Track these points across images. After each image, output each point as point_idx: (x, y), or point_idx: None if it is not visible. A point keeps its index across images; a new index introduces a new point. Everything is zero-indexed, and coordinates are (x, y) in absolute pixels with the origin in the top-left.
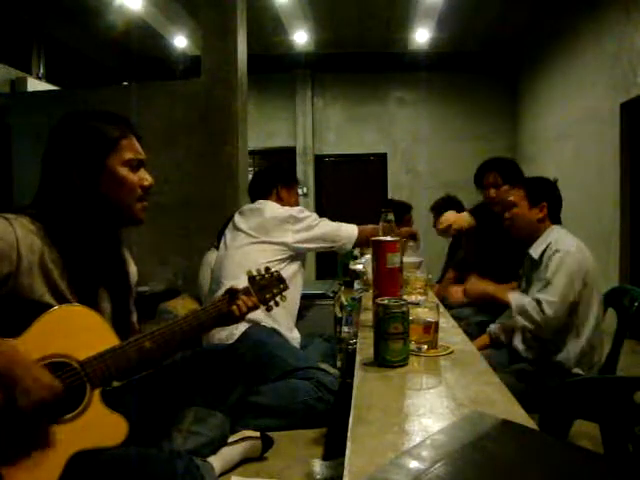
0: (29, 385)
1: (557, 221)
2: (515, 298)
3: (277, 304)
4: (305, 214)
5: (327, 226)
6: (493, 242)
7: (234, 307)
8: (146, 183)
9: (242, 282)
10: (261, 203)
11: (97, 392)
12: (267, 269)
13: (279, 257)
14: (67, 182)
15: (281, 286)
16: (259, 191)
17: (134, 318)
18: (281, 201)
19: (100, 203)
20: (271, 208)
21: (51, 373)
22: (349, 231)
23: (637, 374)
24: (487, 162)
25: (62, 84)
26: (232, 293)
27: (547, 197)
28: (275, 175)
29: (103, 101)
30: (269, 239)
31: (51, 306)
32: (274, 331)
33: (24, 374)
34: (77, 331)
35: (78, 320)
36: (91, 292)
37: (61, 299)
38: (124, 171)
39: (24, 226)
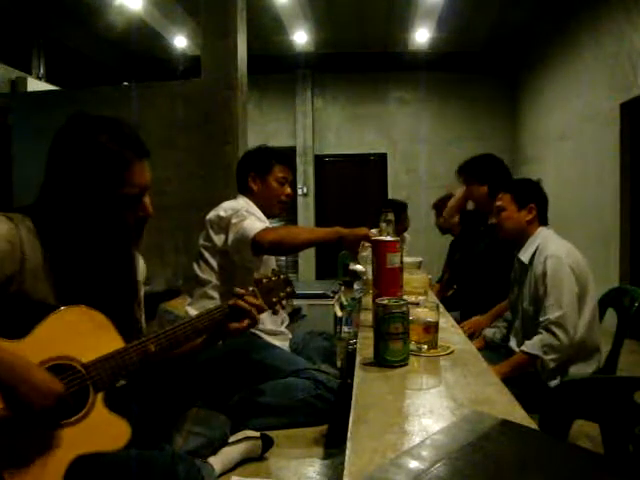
0: (30, 390)
1: (544, 221)
2: (527, 345)
3: (283, 307)
4: (228, 213)
5: (237, 230)
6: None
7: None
8: (142, 214)
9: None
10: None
11: (100, 395)
12: (273, 271)
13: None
14: (69, 195)
15: (287, 289)
16: (238, 186)
17: (141, 321)
18: (252, 195)
19: (98, 221)
20: (217, 207)
21: (54, 376)
22: (244, 236)
23: (637, 374)
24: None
25: (62, 84)
26: (238, 296)
27: (534, 198)
28: (245, 164)
29: (103, 101)
30: (209, 244)
31: (56, 307)
32: (254, 335)
33: (26, 379)
34: (82, 333)
35: (83, 321)
36: (81, 300)
37: (64, 302)
38: (122, 203)
39: (29, 228)
